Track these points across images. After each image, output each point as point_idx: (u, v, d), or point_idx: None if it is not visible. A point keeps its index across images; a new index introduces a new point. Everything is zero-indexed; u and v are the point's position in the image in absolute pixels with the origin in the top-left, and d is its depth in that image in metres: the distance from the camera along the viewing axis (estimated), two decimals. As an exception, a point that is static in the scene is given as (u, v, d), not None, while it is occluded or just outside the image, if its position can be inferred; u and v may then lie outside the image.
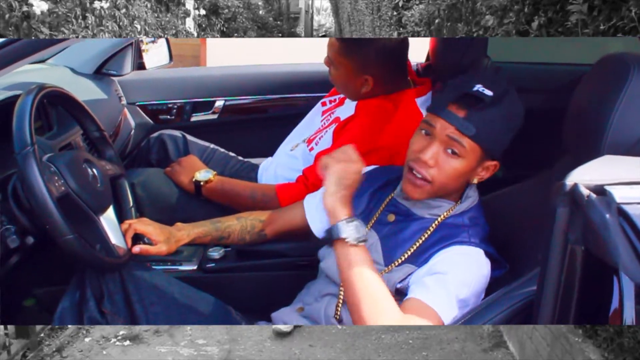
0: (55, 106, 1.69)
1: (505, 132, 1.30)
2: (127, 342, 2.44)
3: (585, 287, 1.07)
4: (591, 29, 1.64)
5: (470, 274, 1.27)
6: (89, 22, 3.56)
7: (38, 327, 2.31)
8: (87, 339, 2.46)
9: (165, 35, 4.94)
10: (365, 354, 2.37)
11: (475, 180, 1.35)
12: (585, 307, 1.08)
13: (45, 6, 2.84)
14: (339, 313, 1.38)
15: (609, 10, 1.61)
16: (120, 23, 4.07)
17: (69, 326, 2.47)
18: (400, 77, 1.93)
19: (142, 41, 2.54)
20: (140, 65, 2.48)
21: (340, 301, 1.38)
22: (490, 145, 1.30)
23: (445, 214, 1.36)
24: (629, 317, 1.02)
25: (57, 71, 2.15)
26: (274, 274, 1.53)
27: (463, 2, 3.03)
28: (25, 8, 2.80)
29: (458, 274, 1.26)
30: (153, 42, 2.64)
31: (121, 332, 2.51)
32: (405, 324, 1.21)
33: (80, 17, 3.46)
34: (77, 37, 3.07)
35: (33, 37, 2.65)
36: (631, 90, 1.18)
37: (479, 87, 1.27)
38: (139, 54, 2.46)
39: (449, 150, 1.28)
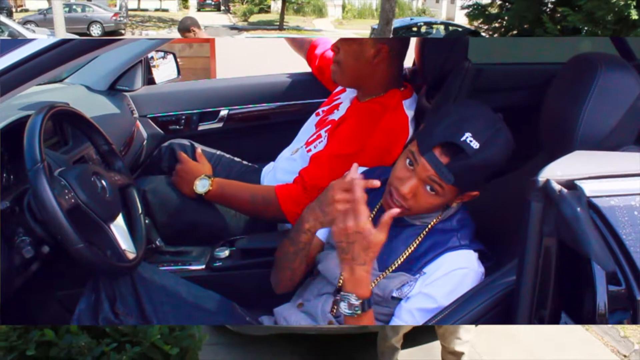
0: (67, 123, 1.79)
1: (487, 175, 1.33)
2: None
3: (560, 276, 1.12)
4: None
5: (463, 287, 1.32)
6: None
7: None
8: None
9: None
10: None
11: (454, 205, 1.41)
12: (561, 295, 1.14)
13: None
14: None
15: None
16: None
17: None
18: (399, 73, 1.98)
19: (152, 58, 2.68)
20: (150, 81, 2.62)
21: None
22: (468, 189, 1.35)
23: (435, 220, 1.42)
24: (601, 302, 1.08)
25: (73, 90, 2.27)
26: None
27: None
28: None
29: (449, 295, 1.31)
30: (163, 57, 2.77)
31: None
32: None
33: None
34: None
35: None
36: (599, 87, 1.23)
37: (467, 137, 1.25)
38: (148, 70, 2.60)
39: (428, 187, 1.33)
